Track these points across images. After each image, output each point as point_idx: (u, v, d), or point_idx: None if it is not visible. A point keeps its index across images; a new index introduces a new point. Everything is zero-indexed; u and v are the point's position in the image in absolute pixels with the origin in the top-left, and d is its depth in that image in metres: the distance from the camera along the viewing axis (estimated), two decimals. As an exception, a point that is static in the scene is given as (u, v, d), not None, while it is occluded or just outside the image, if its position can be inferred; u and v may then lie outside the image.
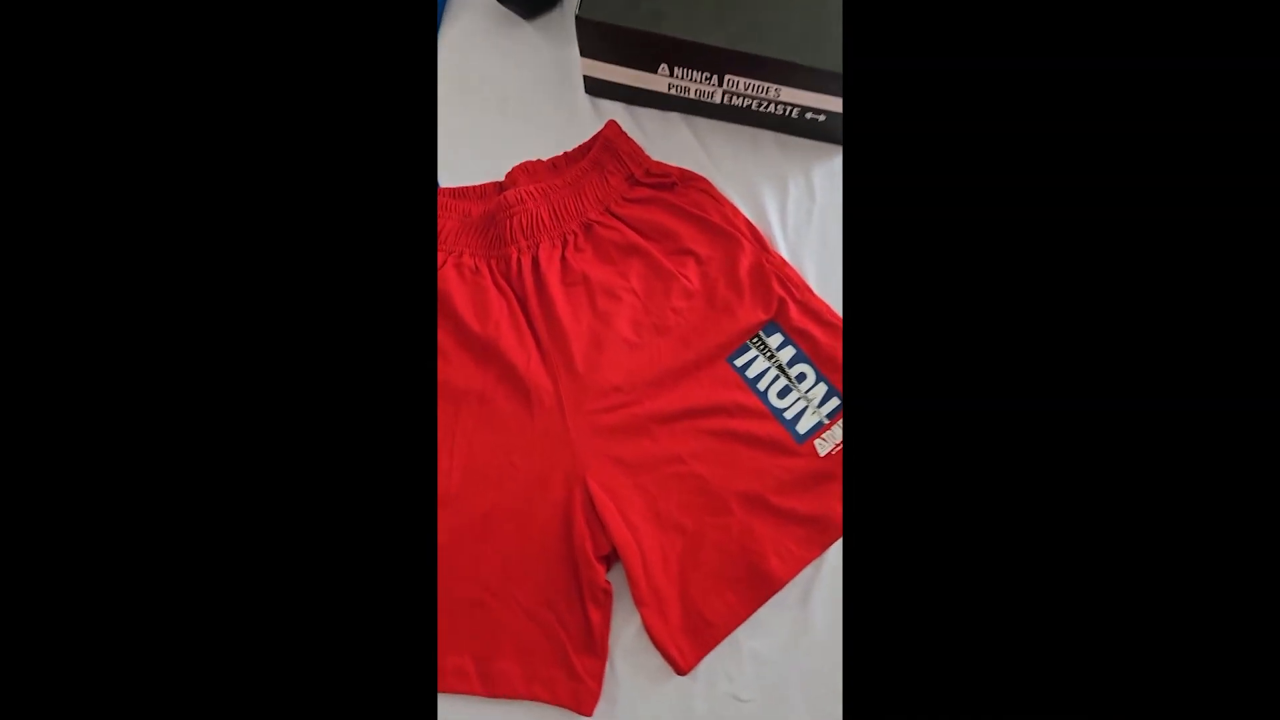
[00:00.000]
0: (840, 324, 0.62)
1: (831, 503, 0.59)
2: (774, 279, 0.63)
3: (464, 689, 0.55)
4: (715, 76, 0.62)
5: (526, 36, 0.72)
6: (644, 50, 0.61)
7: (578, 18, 0.59)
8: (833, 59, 0.59)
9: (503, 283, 0.62)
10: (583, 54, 0.64)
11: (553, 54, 0.72)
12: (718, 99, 0.65)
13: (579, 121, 0.69)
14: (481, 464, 0.59)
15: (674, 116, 0.68)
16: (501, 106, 0.70)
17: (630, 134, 0.67)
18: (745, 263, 0.63)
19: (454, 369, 0.60)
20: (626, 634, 0.56)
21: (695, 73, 0.62)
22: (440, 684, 0.55)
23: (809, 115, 0.64)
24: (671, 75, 0.63)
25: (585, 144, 0.66)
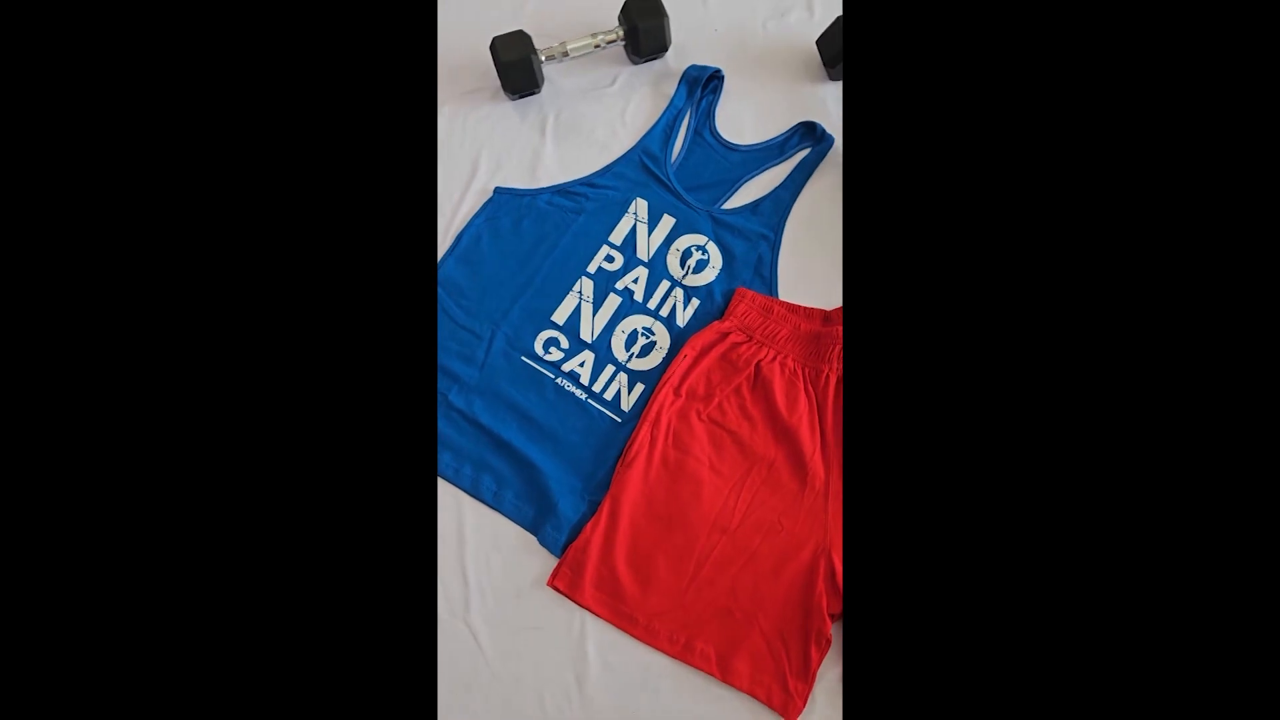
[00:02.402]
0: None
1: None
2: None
3: (704, 668, 0.73)
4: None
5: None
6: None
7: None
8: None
9: (810, 389, 0.81)
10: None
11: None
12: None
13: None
14: (758, 515, 0.78)
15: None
16: (840, 253, 0.90)
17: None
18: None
19: (759, 438, 0.80)
20: (830, 675, 0.73)
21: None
22: (687, 658, 0.73)
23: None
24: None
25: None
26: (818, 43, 0.96)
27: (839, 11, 0.96)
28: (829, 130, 0.94)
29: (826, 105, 0.97)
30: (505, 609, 0.77)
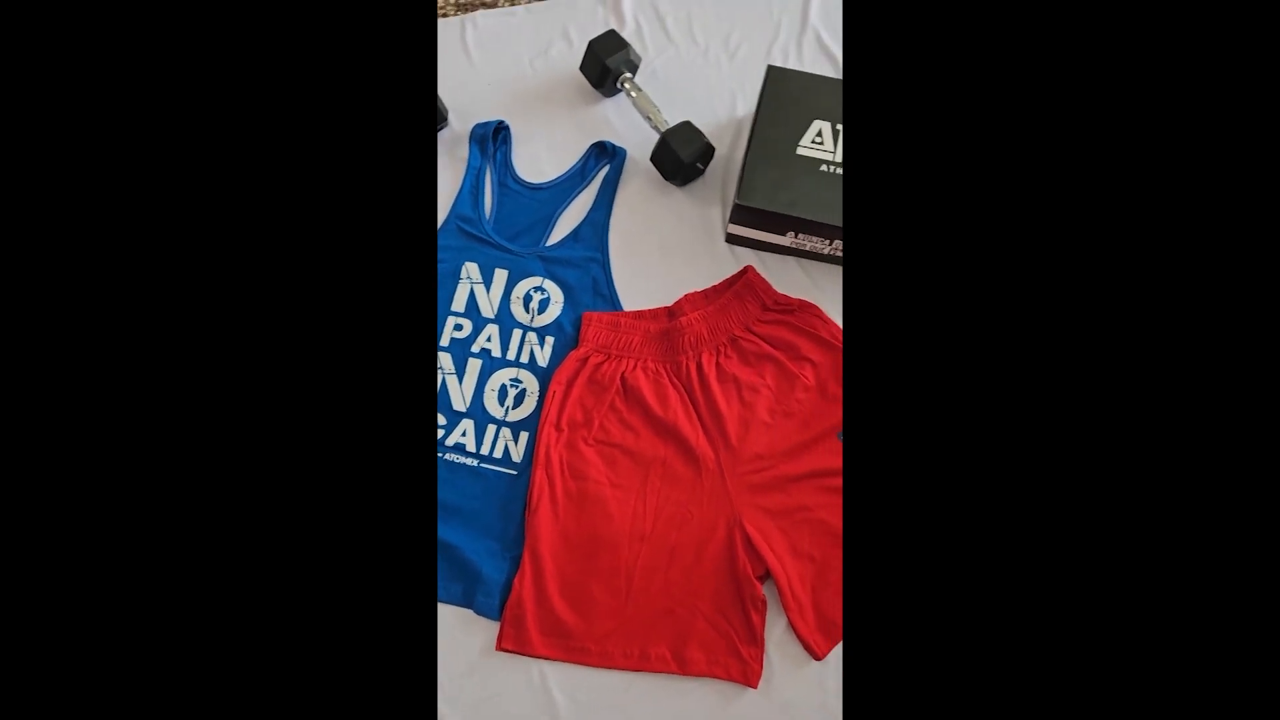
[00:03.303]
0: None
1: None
2: (871, 378, 0.86)
3: (664, 669, 0.77)
4: (829, 241, 0.87)
5: (678, 198, 0.99)
6: (780, 222, 0.87)
7: (737, 203, 0.85)
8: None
9: (676, 381, 0.86)
10: (732, 221, 0.90)
11: (698, 211, 0.98)
12: (826, 251, 0.90)
13: (719, 263, 0.95)
14: (667, 512, 0.82)
15: (790, 261, 0.94)
16: (662, 250, 0.96)
17: (761, 274, 0.91)
18: (849, 366, 0.86)
19: (645, 442, 0.84)
20: (776, 631, 0.79)
21: (814, 236, 0.87)
22: (646, 666, 0.77)
23: (893, 261, 0.88)
24: (795, 238, 0.88)
25: (730, 279, 0.92)
26: (580, 69, 1.01)
27: (592, 35, 1.02)
28: (618, 143, 1.00)
29: (610, 121, 1.03)
30: (464, 686, 0.78)
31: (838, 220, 0.84)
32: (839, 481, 0.83)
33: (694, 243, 0.97)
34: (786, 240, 0.91)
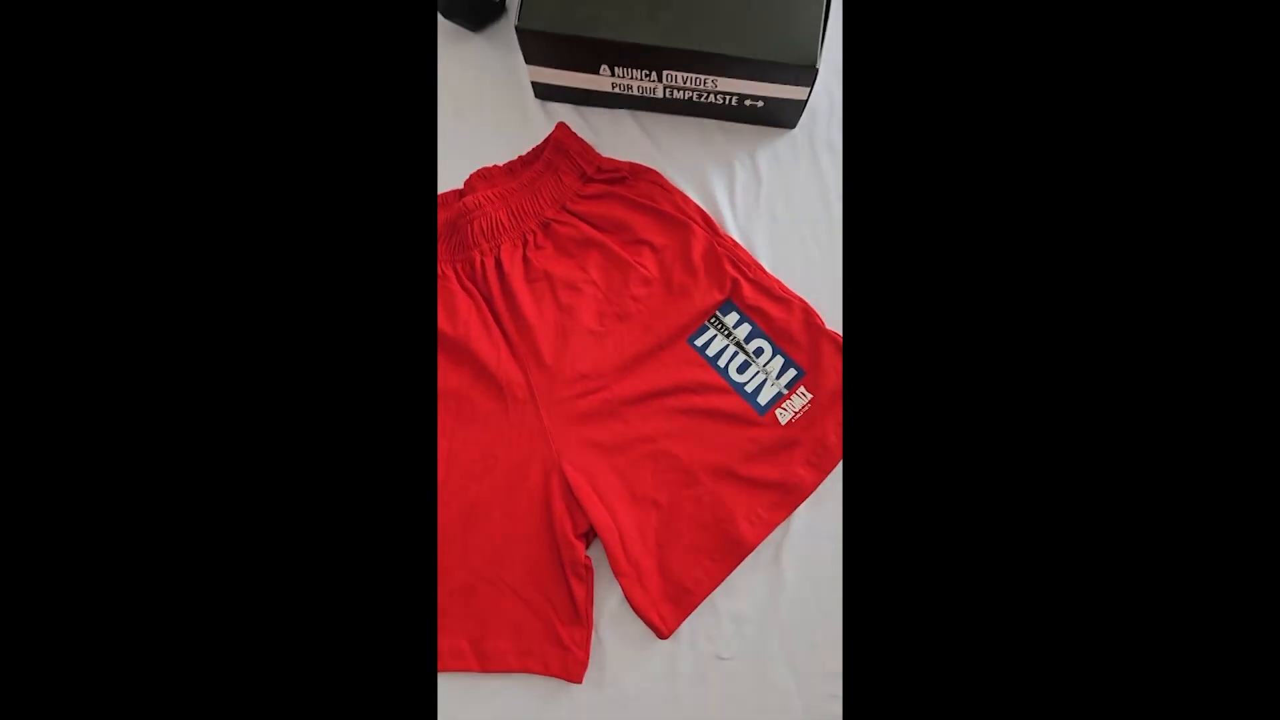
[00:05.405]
0: (793, 299, 0.66)
1: (795, 468, 0.62)
2: (726, 261, 0.66)
3: (461, 667, 0.58)
4: (654, 73, 0.65)
5: (476, 47, 0.75)
6: (584, 53, 0.64)
7: (518, 28, 0.62)
8: (763, 49, 0.61)
9: (469, 285, 0.65)
10: (528, 61, 0.67)
11: (502, 62, 0.74)
12: (660, 94, 0.68)
13: (531, 125, 0.72)
14: (464, 459, 0.62)
15: (621, 113, 0.71)
16: (457, 115, 0.73)
17: (580, 133, 0.70)
18: (698, 247, 0.66)
19: (430, 371, 0.64)
20: (609, 605, 0.60)
21: (635, 71, 0.65)
22: (439, 665, 0.59)
23: (748, 102, 0.67)
24: (614, 75, 0.66)
25: (538, 147, 0.69)
26: None
27: None
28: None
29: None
30: None
31: (669, 41, 0.60)
32: (695, 400, 0.63)
33: (497, 102, 0.73)
34: (606, 83, 0.68)
